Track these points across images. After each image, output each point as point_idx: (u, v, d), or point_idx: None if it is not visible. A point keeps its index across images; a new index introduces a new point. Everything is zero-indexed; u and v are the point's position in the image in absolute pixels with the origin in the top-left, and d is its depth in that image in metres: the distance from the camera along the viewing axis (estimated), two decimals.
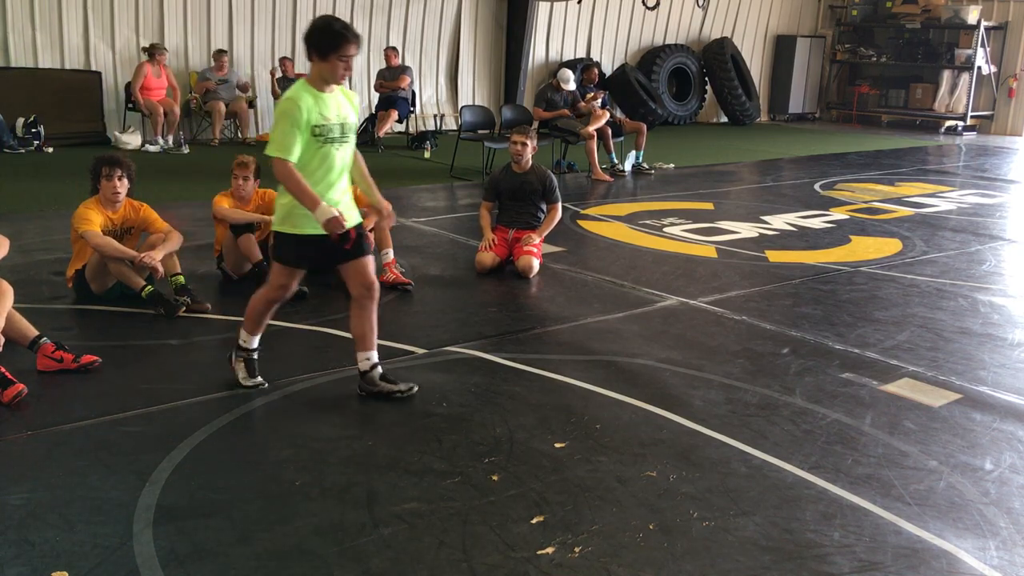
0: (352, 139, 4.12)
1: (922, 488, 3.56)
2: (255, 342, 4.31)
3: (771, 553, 3.09)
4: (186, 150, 11.35)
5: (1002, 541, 3.19)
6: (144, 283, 5.29)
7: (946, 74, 17.41)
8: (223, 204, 5.84)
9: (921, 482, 3.62)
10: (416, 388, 4.26)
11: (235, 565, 2.90)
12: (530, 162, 6.58)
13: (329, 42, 3.82)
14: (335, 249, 3.98)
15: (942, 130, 17.28)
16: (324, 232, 3.88)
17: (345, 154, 4.08)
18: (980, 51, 16.72)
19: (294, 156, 3.85)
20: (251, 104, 12.43)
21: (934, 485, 3.60)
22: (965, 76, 17.06)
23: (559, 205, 6.68)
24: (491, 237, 6.54)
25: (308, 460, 3.63)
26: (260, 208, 5.95)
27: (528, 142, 6.52)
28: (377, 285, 4.19)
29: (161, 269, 5.23)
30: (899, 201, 9.95)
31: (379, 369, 4.25)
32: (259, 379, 4.32)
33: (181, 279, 5.39)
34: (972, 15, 16.75)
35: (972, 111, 17.14)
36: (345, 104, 4.04)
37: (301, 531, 3.11)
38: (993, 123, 17.46)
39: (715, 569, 2.98)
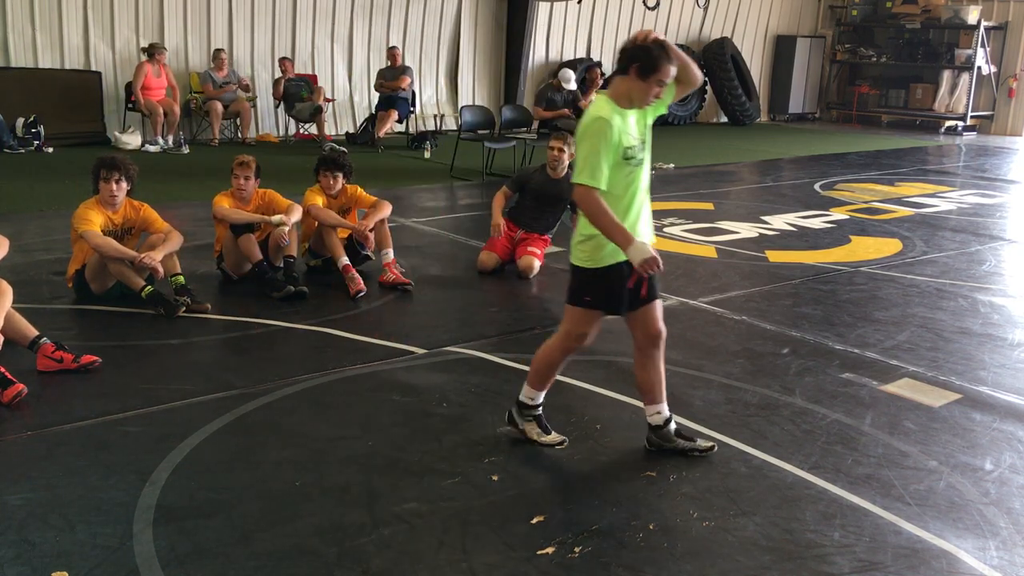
0: (649, 158, 3.63)
1: (922, 488, 3.56)
2: (541, 398, 3.82)
3: (771, 553, 3.09)
4: (186, 150, 11.35)
5: (1002, 541, 3.18)
6: (144, 283, 5.28)
7: (946, 74, 17.41)
8: (223, 204, 5.85)
9: (921, 482, 3.62)
10: (715, 447, 3.79)
11: (235, 565, 2.90)
12: (566, 169, 6.43)
13: (653, 63, 3.39)
14: (629, 290, 3.52)
15: (942, 130, 17.28)
16: (625, 259, 3.41)
17: (647, 176, 3.60)
18: (980, 51, 16.72)
19: (603, 183, 3.38)
20: (252, 104, 12.43)
21: (934, 485, 3.60)
22: (965, 76, 17.06)
23: None
24: (501, 222, 6.45)
25: (308, 460, 3.63)
26: (260, 208, 5.95)
27: (566, 148, 6.40)
28: (665, 332, 3.68)
29: (161, 269, 5.23)
30: (899, 201, 9.95)
31: (673, 425, 3.76)
32: (557, 436, 3.83)
33: (181, 279, 5.39)
34: (972, 15, 16.75)
35: (972, 111, 17.14)
36: (640, 120, 3.59)
37: (301, 531, 3.11)
38: (993, 123, 17.46)
39: (715, 569, 2.98)
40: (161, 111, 11.28)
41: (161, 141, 11.37)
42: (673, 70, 3.44)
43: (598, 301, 3.57)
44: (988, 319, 5.80)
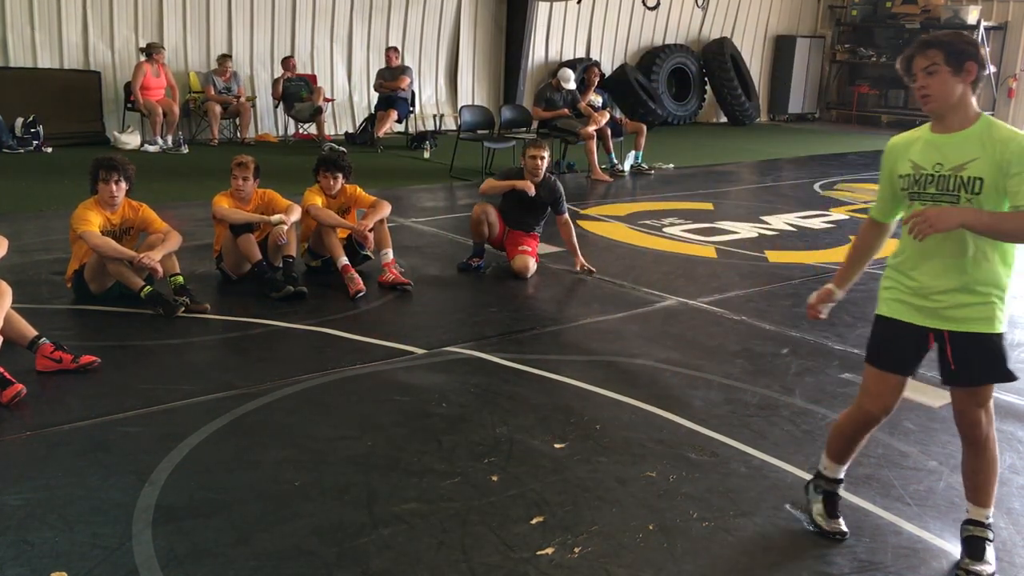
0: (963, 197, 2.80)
1: (922, 488, 3.56)
2: (841, 472, 3.24)
3: (771, 553, 3.09)
4: (185, 150, 11.34)
5: (1001, 542, 3.18)
6: (143, 283, 5.28)
7: None
8: (222, 204, 5.84)
9: (921, 482, 3.62)
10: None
11: (234, 565, 2.90)
12: (543, 172, 6.49)
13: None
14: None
15: None
16: (899, 318, 2.96)
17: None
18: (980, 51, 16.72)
19: (875, 212, 3.19)
20: (251, 104, 12.42)
21: (934, 485, 3.60)
22: None
23: (567, 215, 6.56)
24: (509, 184, 6.41)
25: (307, 460, 3.62)
26: (260, 208, 5.94)
27: (546, 155, 6.47)
28: (983, 426, 3.03)
29: (160, 269, 5.22)
30: None
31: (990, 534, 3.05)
32: (841, 525, 3.21)
33: (180, 279, 5.39)
34: (972, 15, 16.75)
35: None
36: (962, 148, 2.82)
37: (300, 531, 3.11)
38: None
39: (715, 570, 2.98)
40: (160, 111, 11.27)
41: (160, 141, 11.37)
42: None
43: (875, 357, 3.09)
44: None
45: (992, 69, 17.01)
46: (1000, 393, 4.54)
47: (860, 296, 6.36)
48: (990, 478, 3.01)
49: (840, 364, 4.88)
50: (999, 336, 2.91)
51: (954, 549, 3.13)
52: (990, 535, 3.02)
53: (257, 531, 3.10)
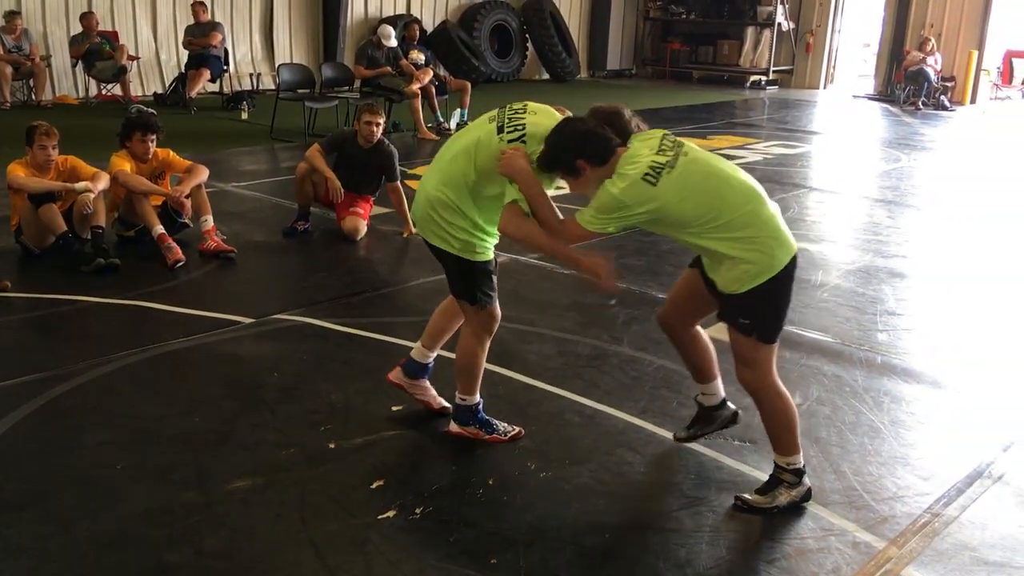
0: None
1: (739, 425, 3.77)
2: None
3: (604, 498, 3.21)
4: None
5: (812, 469, 3.43)
6: None
7: (750, 31, 18.30)
8: (18, 173, 5.40)
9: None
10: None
11: (55, 558, 2.73)
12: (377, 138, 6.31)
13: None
14: None
15: (747, 84, 18.20)
16: None
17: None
18: (780, 8, 17.66)
19: None
20: (46, 63, 11.49)
21: (749, 420, 3.81)
22: (767, 32, 18.00)
23: (399, 183, 6.36)
24: (333, 178, 6.18)
25: (129, 441, 3.44)
26: (61, 177, 5.53)
27: (382, 121, 6.29)
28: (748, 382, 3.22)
29: None
30: (712, 153, 10.40)
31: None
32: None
33: None
34: None
35: (774, 66, 18.13)
36: None
37: (126, 516, 2.95)
38: (793, 77, 18.54)
39: (553, 517, 3.06)
40: None
41: None
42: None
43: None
44: None
45: (791, 25, 18.04)
46: (806, 331, 4.88)
47: (679, 246, 6.64)
48: (771, 428, 3.22)
49: None
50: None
51: None
52: (784, 477, 3.18)
53: (77, 519, 2.92)
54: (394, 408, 3.79)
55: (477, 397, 3.52)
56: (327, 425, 3.63)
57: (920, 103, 15.41)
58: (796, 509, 3.17)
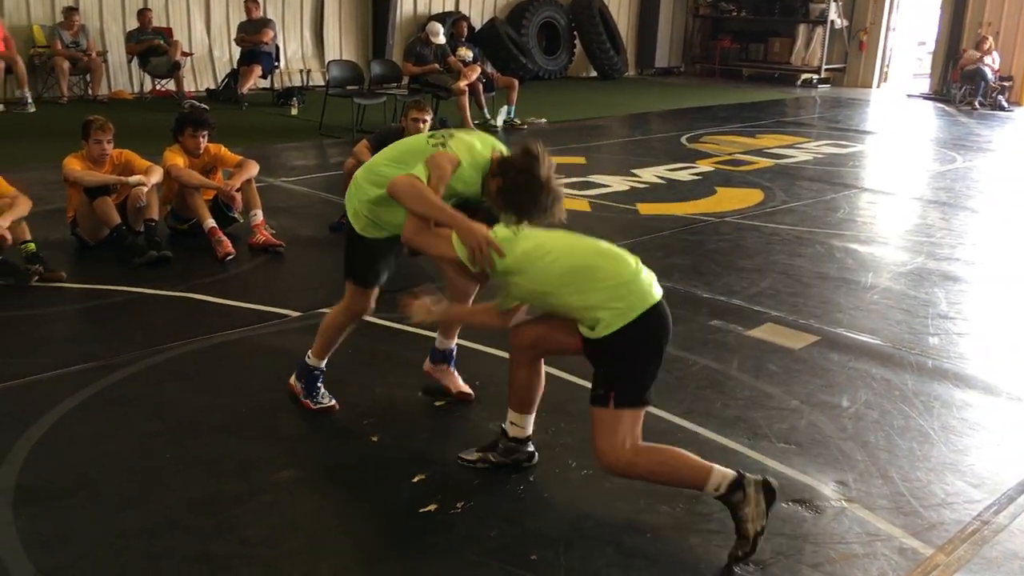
0: None
1: (785, 427, 3.73)
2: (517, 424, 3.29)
3: (646, 497, 3.18)
4: (32, 108, 10.63)
5: (859, 474, 3.38)
6: None
7: (801, 28, 18.05)
8: (74, 166, 5.52)
9: (784, 421, 3.79)
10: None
11: (103, 544, 2.79)
12: None
13: None
14: None
15: (798, 83, 17.95)
16: None
17: None
18: (833, 5, 17.39)
19: None
20: (103, 59, 11.73)
21: (796, 423, 3.78)
22: (819, 30, 17.74)
23: None
24: None
25: (177, 432, 3.50)
26: (116, 170, 5.64)
27: (428, 118, 6.32)
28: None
29: (9, 237, 4.92)
30: (760, 152, 10.31)
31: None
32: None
33: (32, 246, 5.08)
34: None
35: (826, 64, 17.86)
36: None
37: (173, 505, 3.01)
38: (845, 76, 18.24)
39: (593, 516, 3.06)
40: (2, 64, 10.49)
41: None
42: None
43: None
44: (843, 264, 6.11)
45: (844, 23, 17.76)
46: (855, 334, 4.80)
47: (726, 245, 6.60)
48: (666, 482, 2.97)
49: (708, 311, 5.05)
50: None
51: (815, 483, 3.31)
52: (731, 500, 2.83)
53: (126, 507, 2.98)
54: (437, 403, 3.81)
55: (322, 364, 3.67)
56: (370, 419, 3.66)
57: (976, 103, 15.07)
58: (842, 515, 3.12)
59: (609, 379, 2.92)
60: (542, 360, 3.24)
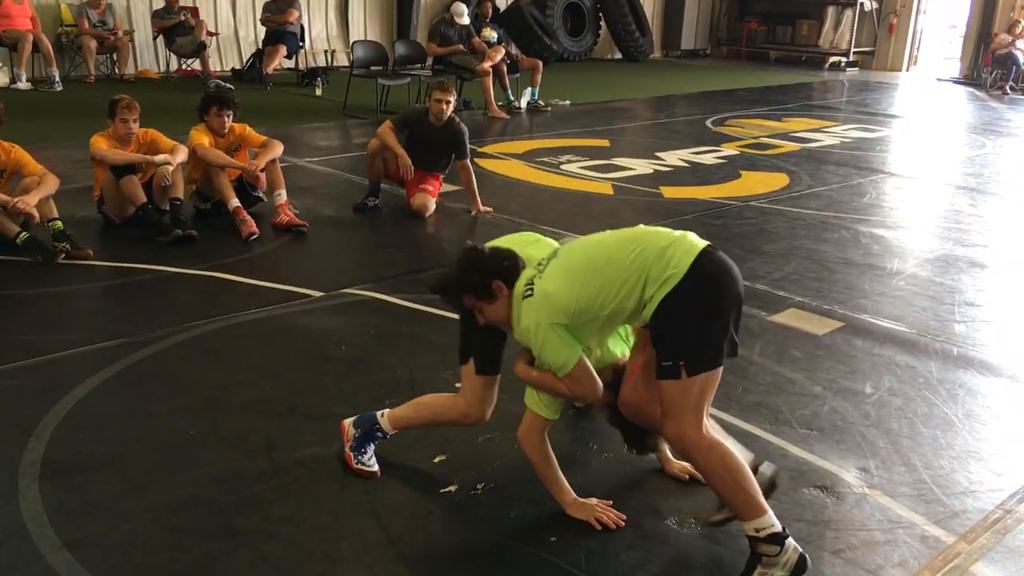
0: None
1: (807, 413, 3.71)
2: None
3: (666, 481, 3.19)
4: (59, 87, 10.72)
5: (881, 460, 3.36)
6: (19, 229, 5.01)
7: (830, 10, 17.84)
8: (101, 145, 5.56)
9: (807, 407, 3.78)
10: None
11: (128, 518, 2.83)
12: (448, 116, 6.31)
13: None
14: None
15: (826, 66, 17.75)
16: None
17: None
18: None
19: None
20: (129, 38, 11.79)
21: (818, 410, 3.76)
22: (848, 12, 17.52)
23: (468, 161, 6.39)
24: (404, 155, 6.21)
25: (202, 409, 3.54)
26: (142, 149, 5.68)
27: (452, 99, 6.31)
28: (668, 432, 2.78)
29: (36, 214, 4.97)
30: (786, 136, 10.22)
31: None
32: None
33: (59, 224, 5.13)
34: None
35: (855, 47, 17.65)
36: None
37: (197, 481, 3.04)
38: (874, 59, 18.02)
39: (614, 499, 3.06)
40: (30, 39, 10.55)
41: (24, 75, 10.63)
42: None
43: None
44: (869, 250, 6.05)
45: (874, 5, 17.52)
46: (880, 320, 4.77)
47: (750, 229, 6.56)
48: (719, 488, 2.70)
49: None
50: None
51: (837, 469, 3.30)
52: (761, 549, 2.61)
53: (151, 483, 3.02)
54: (457, 385, 3.81)
55: (391, 433, 3.21)
56: (392, 399, 3.67)
57: (1008, 87, 14.85)
58: (864, 502, 3.11)
59: (674, 349, 2.64)
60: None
